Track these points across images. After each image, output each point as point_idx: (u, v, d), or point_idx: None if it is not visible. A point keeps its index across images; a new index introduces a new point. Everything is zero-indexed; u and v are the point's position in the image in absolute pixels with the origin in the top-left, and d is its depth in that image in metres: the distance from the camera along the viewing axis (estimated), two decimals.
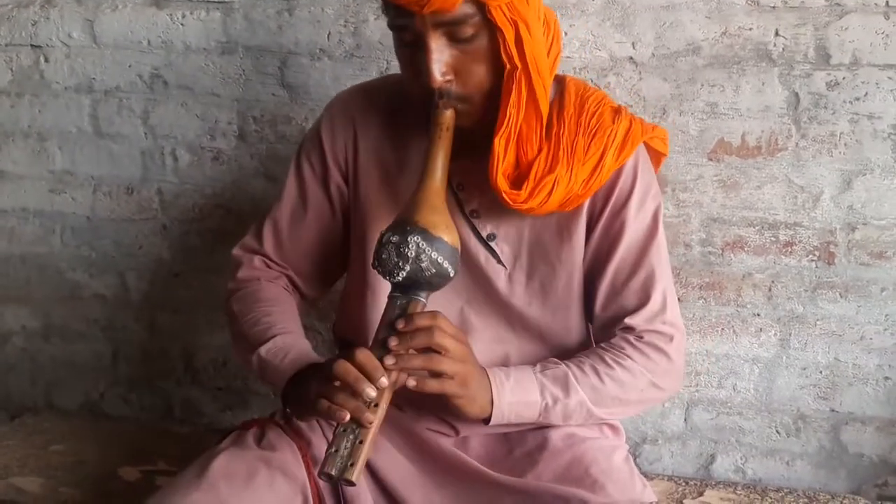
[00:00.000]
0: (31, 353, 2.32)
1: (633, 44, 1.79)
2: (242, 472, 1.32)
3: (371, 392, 1.19)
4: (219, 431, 1.79)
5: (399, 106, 1.48)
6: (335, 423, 1.21)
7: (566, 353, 1.45)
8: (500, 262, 1.44)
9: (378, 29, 1.87)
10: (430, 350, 1.25)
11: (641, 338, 1.43)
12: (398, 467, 1.44)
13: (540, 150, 1.36)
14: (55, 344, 2.30)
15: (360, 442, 1.19)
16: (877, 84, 1.72)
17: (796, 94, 1.75)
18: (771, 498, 1.82)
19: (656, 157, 1.52)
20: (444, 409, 1.35)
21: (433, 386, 1.26)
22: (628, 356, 1.41)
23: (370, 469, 1.44)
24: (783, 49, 1.73)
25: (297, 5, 1.92)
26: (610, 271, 1.44)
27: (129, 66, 2.05)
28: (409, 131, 1.47)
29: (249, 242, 1.59)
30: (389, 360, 1.23)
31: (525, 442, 1.48)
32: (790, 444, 1.94)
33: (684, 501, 1.80)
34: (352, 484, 1.18)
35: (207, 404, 2.24)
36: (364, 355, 1.22)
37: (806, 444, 1.93)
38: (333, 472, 1.18)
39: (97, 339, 2.27)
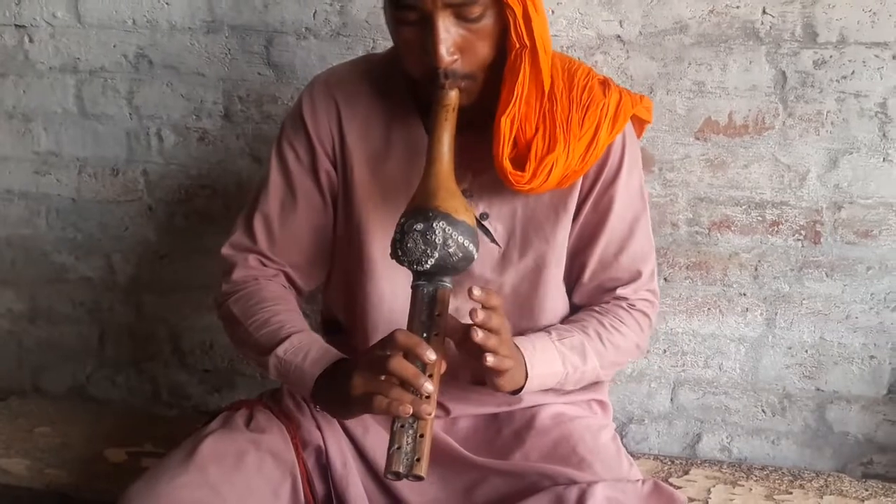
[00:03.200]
0: (17, 335, 2.32)
1: (620, 22, 1.78)
2: (231, 455, 1.32)
3: (430, 386, 1.16)
4: (206, 413, 1.79)
5: (383, 87, 1.46)
6: (391, 419, 1.17)
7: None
8: (493, 240, 1.43)
9: (364, 8, 1.86)
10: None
11: (634, 305, 1.47)
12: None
13: (537, 130, 1.35)
14: (41, 326, 2.29)
15: (422, 436, 1.15)
16: (864, 62, 1.72)
17: (783, 73, 1.75)
18: (756, 476, 1.82)
19: (640, 125, 1.52)
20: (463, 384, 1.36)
21: (500, 364, 1.22)
22: (623, 322, 1.45)
23: (359, 451, 1.44)
24: (770, 27, 1.73)
25: None
26: (600, 245, 1.45)
27: (114, 46, 2.02)
28: (394, 112, 1.45)
29: (240, 240, 1.50)
30: (432, 356, 1.18)
31: (513, 421, 1.48)
32: (776, 423, 1.95)
33: (670, 480, 1.80)
34: (420, 478, 1.14)
35: (194, 386, 2.24)
36: (407, 337, 1.18)
37: (791, 422, 1.94)
38: (401, 470, 1.14)
39: (83, 321, 2.26)
